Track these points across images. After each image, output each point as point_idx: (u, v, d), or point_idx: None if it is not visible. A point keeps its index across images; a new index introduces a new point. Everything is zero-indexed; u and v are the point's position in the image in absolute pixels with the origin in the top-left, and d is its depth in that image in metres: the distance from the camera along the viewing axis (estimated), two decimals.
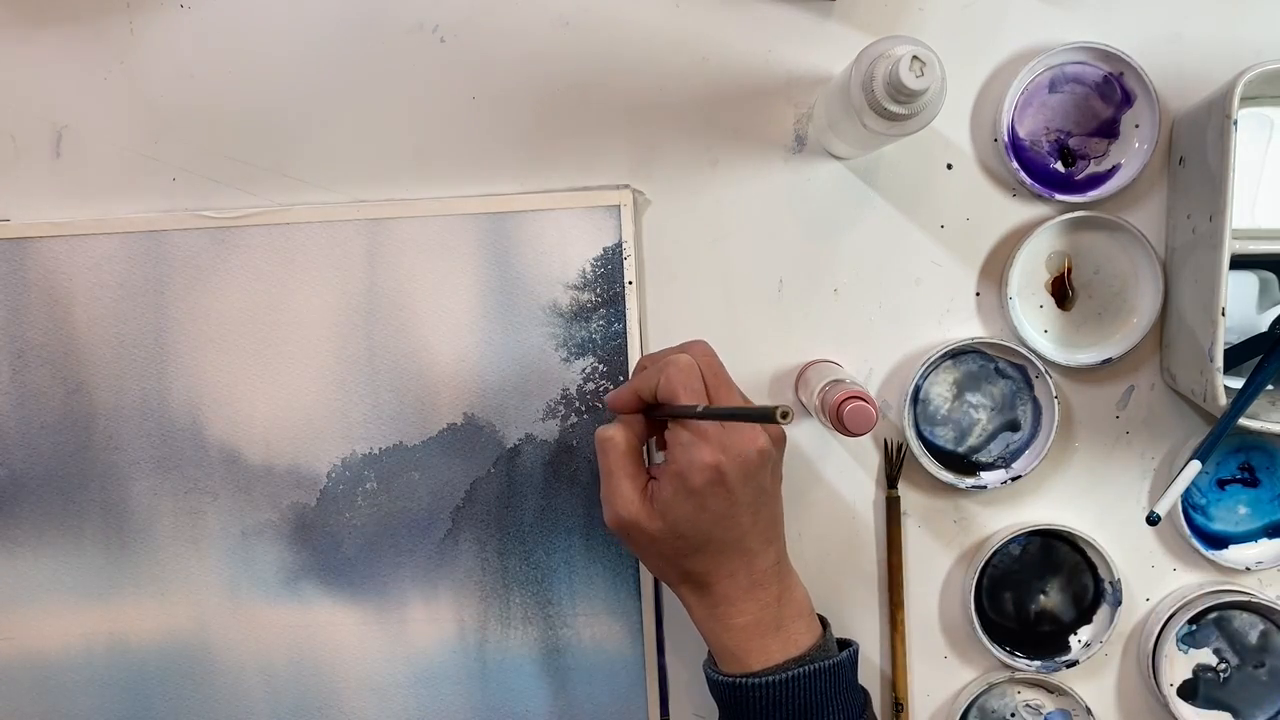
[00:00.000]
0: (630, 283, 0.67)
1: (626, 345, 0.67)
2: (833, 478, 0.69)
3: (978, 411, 0.69)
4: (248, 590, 0.69)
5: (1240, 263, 0.64)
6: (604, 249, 0.67)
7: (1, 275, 0.67)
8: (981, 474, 0.68)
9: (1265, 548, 0.69)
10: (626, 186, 0.67)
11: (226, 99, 0.67)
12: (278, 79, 0.67)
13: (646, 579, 0.69)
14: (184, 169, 0.67)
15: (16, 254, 0.67)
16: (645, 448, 0.61)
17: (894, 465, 0.69)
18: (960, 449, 0.69)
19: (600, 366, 0.67)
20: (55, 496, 0.68)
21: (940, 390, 0.69)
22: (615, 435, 0.58)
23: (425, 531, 0.69)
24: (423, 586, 0.69)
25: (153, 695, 0.69)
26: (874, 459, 0.69)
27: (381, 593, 0.69)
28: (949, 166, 0.68)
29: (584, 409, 0.68)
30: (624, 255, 0.67)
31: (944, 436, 0.69)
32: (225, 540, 0.69)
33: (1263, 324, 0.66)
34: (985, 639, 0.68)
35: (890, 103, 0.53)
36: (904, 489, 0.69)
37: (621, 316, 0.67)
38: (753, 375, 0.68)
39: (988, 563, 0.68)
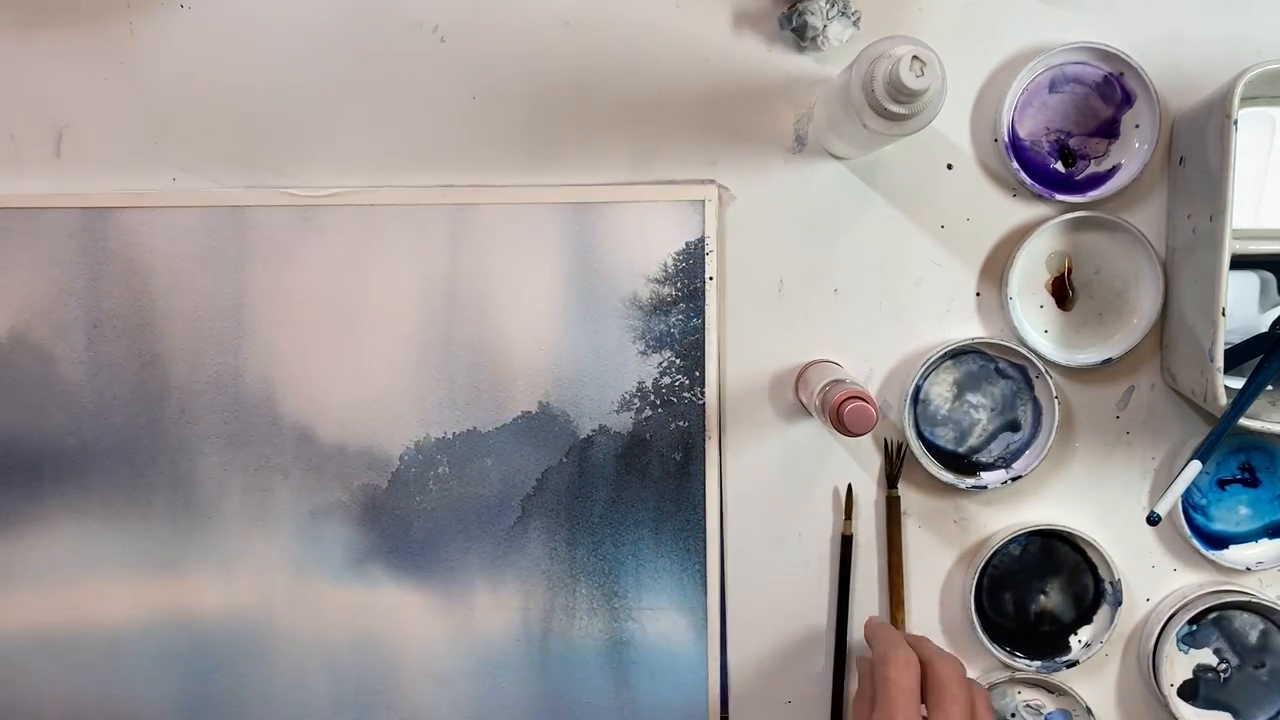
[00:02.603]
0: (711, 278, 0.67)
1: (704, 341, 0.67)
2: (833, 478, 0.69)
3: (978, 412, 0.69)
4: (314, 570, 0.69)
5: (1241, 263, 0.64)
6: (686, 243, 0.67)
7: (82, 244, 0.67)
8: (982, 474, 0.68)
9: (1265, 548, 0.69)
10: (712, 182, 0.67)
11: (226, 99, 0.67)
12: (278, 79, 0.67)
13: (713, 575, 0.69)
14: (184, 169, 0.67)
15: (98, 223, 0.67)
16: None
17: (894, 465, 0.68)
18: (960, 449, 0.69)
19: (677, 361, 0.67)
20: (125, 468, 0.68)
21: (940, 390, 0.69)
22: (899, 678, 0.58)
23: (495, 518, 0.69)
24: (489, 573, 0.69)
25: (213, 671, 0.69)
26: (874, 459, 0.69)
27: (448, 578, 0.69)
28: (949, 166, 0.68)
29: (659, 403, 0.68)
30: (706, 250, 0.67)
31: (944, 437, 0.69)
32: (294, 519, 0.69)
33: (1263, 324, 0.66)
34: (985, 639, 0.68)
35: (890, 103, 0.53)
36: (904, 489, 0.69)
37: (700, 312, 0.67)
38: (753, 375, 0.68)
39: (988, 563, 0.68)
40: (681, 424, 0.68)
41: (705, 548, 0.68)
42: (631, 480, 0.68)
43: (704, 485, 0.68)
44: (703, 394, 0.68)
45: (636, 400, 0.68)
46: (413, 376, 0.68)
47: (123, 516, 0.68)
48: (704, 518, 0.68)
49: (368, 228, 0.67)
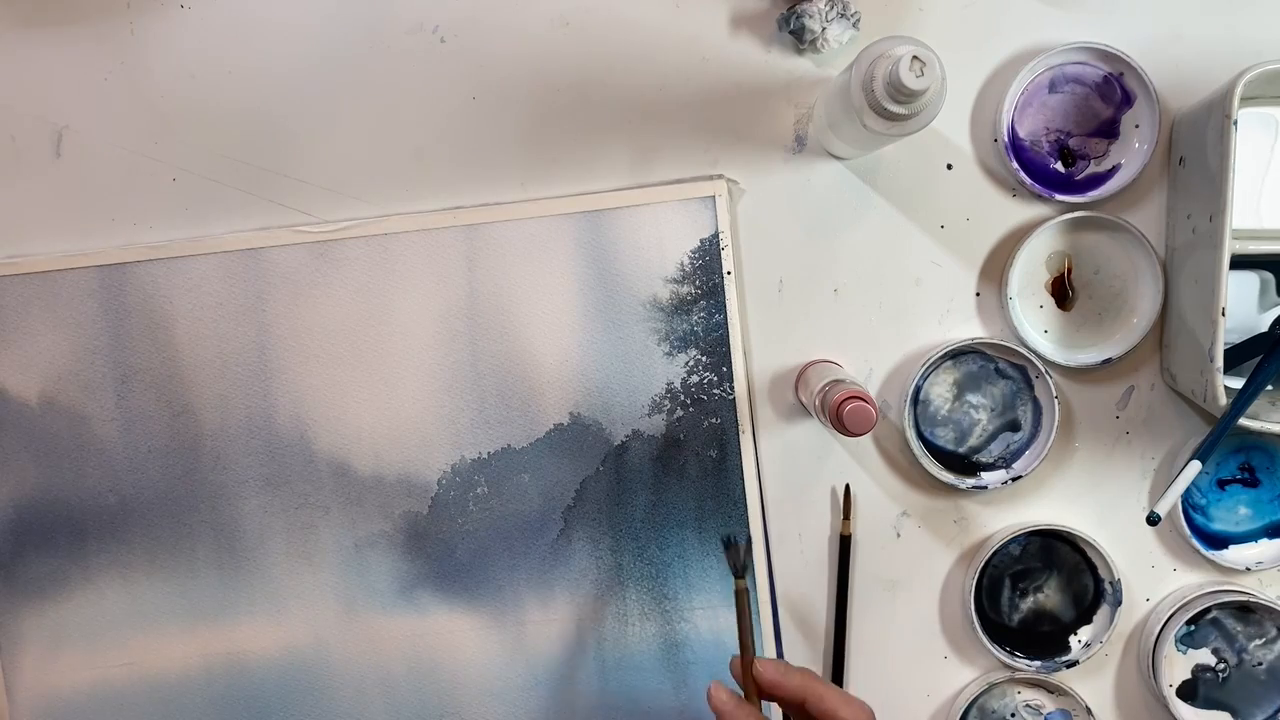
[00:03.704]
0: (729, 273, 0.67)
1: (728, 336, 0.67)
2: (832, 478, 0.69)
3: (978, 412, 0.69)
4: (364, 602, 0.69)
5: (1240, 263, 0.64)
6: (700, 240, 0.67)
7: (102, 301, 0.67)
8: (982, 474, 0.68)
9: (1265, 548, 0.69)
10: (721, 177, 0.67)
11: (226, 99, 0.67)
12: (278, 79, 0.67)
13: (761, 568, 0.69)
14: (184, 169, 0.67)
15: (116, 279, 0.67)
16: None
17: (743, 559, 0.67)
18: (961, 449, 0.69)
19: (703, 359, 0.68)
20: (166, 520, 0.68)
21: (940, 391, 0.69)
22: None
23: (538, 533, 0.69)
24: (538, 588, 0.69)
25: (273, 713, 0.69)
26: (875, 459, 0.69)
27: (497, 597, 0.69)
28: (949, 166, 0.68)
29: (689, 402, 0.68)
30: (721, 245, 0.67)
31: (944, 437, 0.69)
32: (339, 553, 0.69)
33: (1263, 324, 0.66)
34: (985, 639, 0.68)
35: (890, 103, 0.53)
36: (906, 489, 0.69)
37: (722, 307, 0.67)
38: (754, 375, 0.68)
39: (988, 563, 0.68)
40: (714, 420, 0.68)
41: (750, 542, 0.69)
42: (670, 482, 0.68)
43: (743, 479, 0.68)
44: (732, 389, 0.68)
45: (667, 402, 0.68)
46: (442, 400, 0.68)
47: (169, 568, 0.69)
48: (746, 511, 0.68)
49: (383, 258, 0.67)
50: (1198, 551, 0.69)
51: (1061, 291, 0.68)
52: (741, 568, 0.59)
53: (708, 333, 0.67)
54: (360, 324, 0.68)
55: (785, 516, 0.69)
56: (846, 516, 0.68)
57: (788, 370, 0.69)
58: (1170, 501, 0.60)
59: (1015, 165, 0.66)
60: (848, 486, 0.69)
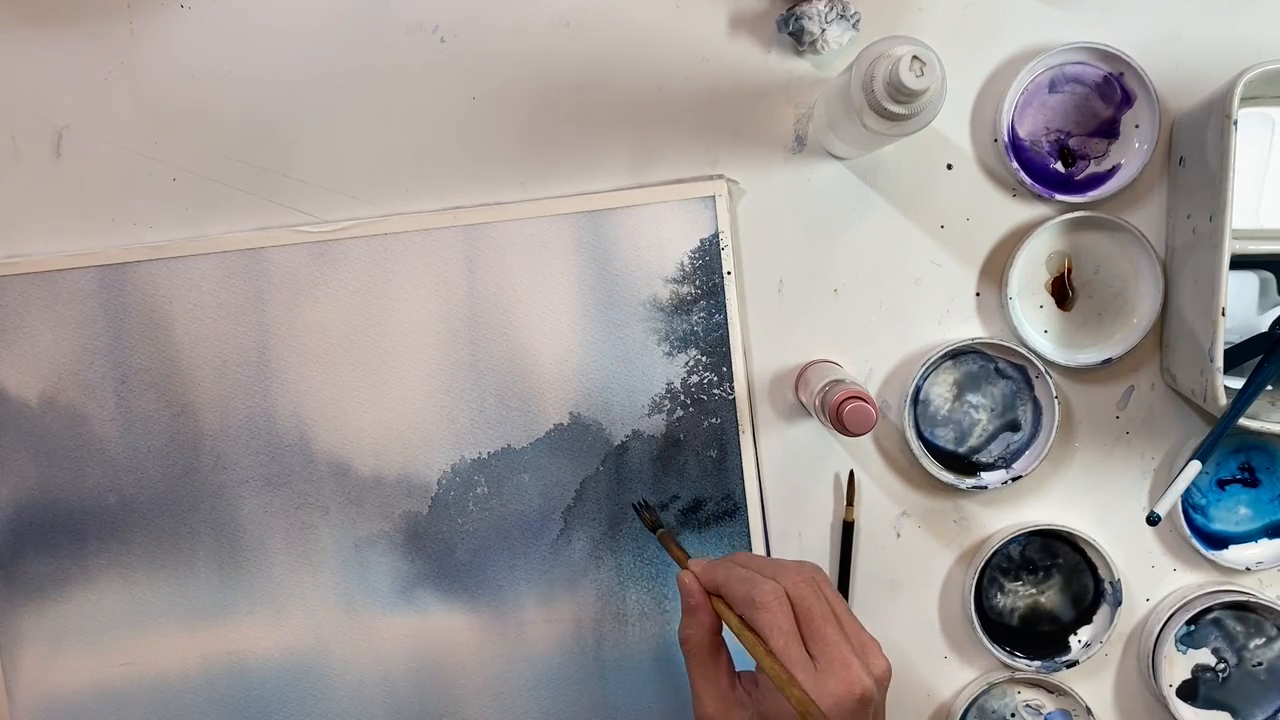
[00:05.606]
0: (729, 273, 0.67)
1: (728, 336, 0.67)
2: (832, 478, 0.69)
3: (978, 412, 0.69)
4: (364, 602, 0.69)
5: (1241, 263, 0.64)
6: (701, 240, 0.67)
7: (102, 301, 0.67)
8: (982, 474, 0.68)
9: (1265, 548, 0.69)
10: (721, 177, 0.67)
11: (226, 99, 0.67)
12: (278, 79, 0.67)
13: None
14: (184, 169, 0.67)
15: (115, 279, 0.67)
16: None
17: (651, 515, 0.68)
18: (961, 449, 0.69)
19: (703, 359, 0.68)
20: (166, 520, 0.68)
21: (940, 391, 0.69)
22: (689, 636, 0.58)
23: (538, 533, 0.69)
24: (538, 588, 0.69)
25: (273, 713, 0.69)
26: (875, 460, 0.69)
27: (497, 597, 0.69)
28: (949, 166, 0.68)
29: (689, 402, 0.68)
30: (721, 245, 0.67)
31: (944, 437, 0.69)
32: (339, 553, 0.69)
33: (1263, 324, 0.66)
34: (985, 639, 0.68)
35: (890, 103, 0.53)
36: (906, 489, 0.69)
37: (722, 307, 0.67)
38: (754, 375, 0.68)
39: (988, 563, 0.68)
40: (714, 420, 0.68)
41: (750, 543, 0.69)
42: (670, 482, 0.68)
43: (743, 479, 0.68)
44: (732, 389, 0.68)
45: (667, 402, 0.68)
46: (442, 400, 0.68)
47: (169, 568, 0.69)
48: (746, 512, 0.68)
49: (383, 257, 0.67)
50: (1198, 551, 0.69)
51: (1061, 291, 0.68)
52: (657, 524, 0.65)
53: (708, 333, 0.67)
54: (360, 324, 0.68)
55: (785, 516, 0.69)
56: (850, 503, 0.68)
57: (788, 370, 0.69)
58: (1170, 501, 0.60)
59: (1015, 165, 0.66)
60: (851, 473, 0.69)
